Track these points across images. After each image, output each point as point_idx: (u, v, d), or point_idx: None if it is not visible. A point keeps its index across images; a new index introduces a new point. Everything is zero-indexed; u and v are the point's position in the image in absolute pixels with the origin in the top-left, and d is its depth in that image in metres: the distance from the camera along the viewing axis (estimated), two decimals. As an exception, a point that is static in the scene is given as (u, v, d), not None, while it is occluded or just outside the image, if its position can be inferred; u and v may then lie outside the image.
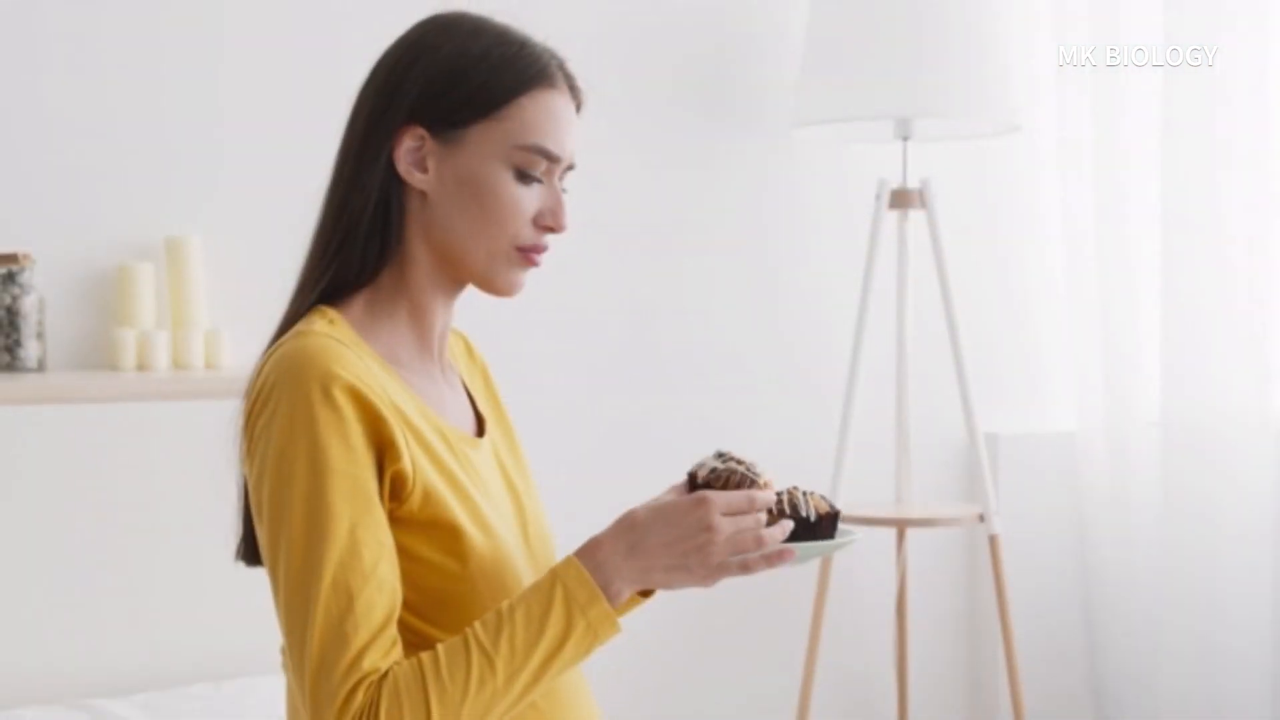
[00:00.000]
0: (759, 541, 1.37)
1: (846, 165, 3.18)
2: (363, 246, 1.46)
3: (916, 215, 3.07)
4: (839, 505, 2.88)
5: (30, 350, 2.33)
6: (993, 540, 2.93)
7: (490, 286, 1.50)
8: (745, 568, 1.38)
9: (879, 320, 3.09)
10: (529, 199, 1.47)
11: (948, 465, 3.31)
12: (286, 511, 1.33)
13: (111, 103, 2.49)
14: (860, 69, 2.82)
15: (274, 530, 1.35)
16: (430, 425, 1.46)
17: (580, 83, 1.53)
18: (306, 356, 1.37)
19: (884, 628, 3.19)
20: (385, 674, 1.31)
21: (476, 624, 1.34)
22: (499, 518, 1.49)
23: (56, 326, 2.44)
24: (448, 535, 1.41)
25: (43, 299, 2.37)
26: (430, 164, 1.47)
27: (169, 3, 2.54)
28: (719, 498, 1.37)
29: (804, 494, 1.50)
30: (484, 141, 1.46)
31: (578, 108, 1.53)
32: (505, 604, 1.35)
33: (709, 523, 1.36)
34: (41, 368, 2.35)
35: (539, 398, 2.80)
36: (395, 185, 1.47)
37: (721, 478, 1.43)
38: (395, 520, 1.40)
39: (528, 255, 1.48)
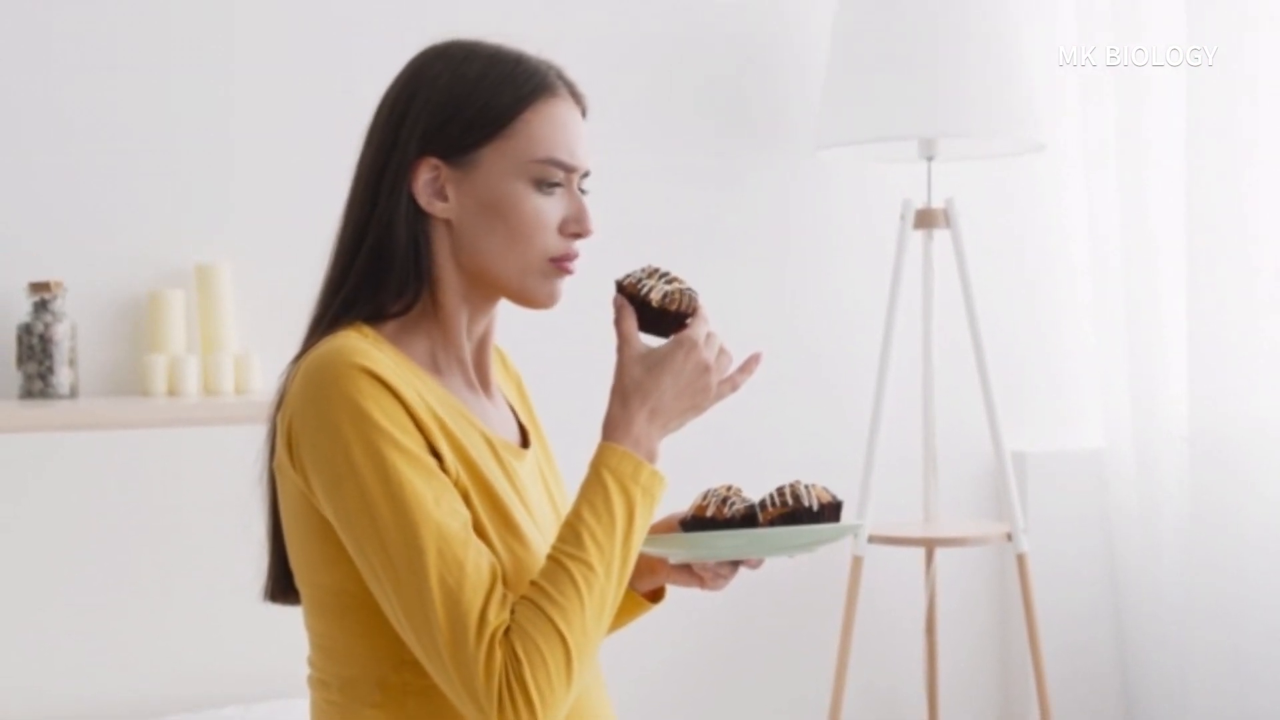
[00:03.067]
0: (730, 357, 1.50)
1: (871, 185, 3.19)
2: (397, 283, 1.47)
3: (941, 234, 3.07)
4: (857, 518, 2.89)
5: (62, 377, 2.35)
6: (1021, 559, 2.92)
7: (528, 301, 1.50)
8: (734, 387, 1.51)
9: (905, 340, 3.09)
10: (552, 209, 1.48)
11: (975, 484, 3.31)
12: (369, 507, 1.35)
13: (142, 131, 2.52)
14: (884, 89, 2.83)
15: (361, 529, 1.36)
16: (475, 431, 1.48)
17: (581, 88, 1.54)
18: (335, 353, 1.39)
19: (913, 647, 3.18)
20: (509, 625, 1.35)
21: (555, 544, 1.40)
22: (536, 530, 1.50)
23: (88, 353, 2.46)
24: None
25: (75, 326, 2.39)
26: (449, 191, 1.48)
27: (197, 33, 2.57)
28: (698, 335, 1.48)
29: (806, 486, 1.54)
30: (498, 161, 1.47)
31: (583, 113, 1.53)
32: (567, 515, 1.41)
33: (704, 362, 1.47)
34: (74, 394, 2.37)
35: (566, 411, 2.81)
36: (418, 218, 1.48)
37: (675, 300, 1.49)
38: None
39: (561, 265, 1.49)
